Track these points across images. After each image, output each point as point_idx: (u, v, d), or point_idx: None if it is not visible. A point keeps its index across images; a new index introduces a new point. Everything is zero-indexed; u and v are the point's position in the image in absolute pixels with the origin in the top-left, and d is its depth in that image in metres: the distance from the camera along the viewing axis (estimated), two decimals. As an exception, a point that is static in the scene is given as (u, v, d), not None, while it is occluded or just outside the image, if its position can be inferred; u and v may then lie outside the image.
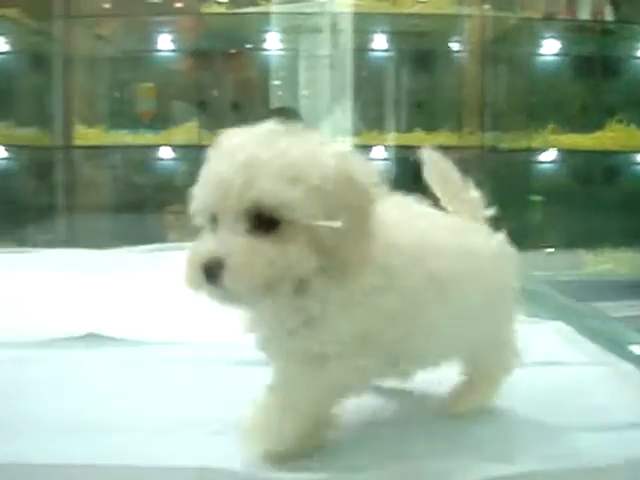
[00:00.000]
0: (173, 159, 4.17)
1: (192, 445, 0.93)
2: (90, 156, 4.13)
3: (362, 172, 0.80)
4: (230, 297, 0.77)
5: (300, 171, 0.76)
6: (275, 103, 4.27)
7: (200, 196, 0.80)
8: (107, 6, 4.28)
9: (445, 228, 0.95)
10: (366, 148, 3.99)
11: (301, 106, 4.16)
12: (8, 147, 3.93)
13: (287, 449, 0.84)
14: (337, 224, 0.76)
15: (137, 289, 1.86)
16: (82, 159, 4.10)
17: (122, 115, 4.20)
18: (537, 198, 4.01)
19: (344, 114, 4.03)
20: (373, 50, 4.27)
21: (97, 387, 1.20)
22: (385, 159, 4.03)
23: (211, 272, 0.75)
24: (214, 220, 0.79)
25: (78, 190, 4.08)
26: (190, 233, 0.83)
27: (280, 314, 0.83)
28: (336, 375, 0.83)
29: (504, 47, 4.08)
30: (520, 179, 4.04)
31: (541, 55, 4.06)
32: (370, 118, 4.07)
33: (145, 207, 4.01)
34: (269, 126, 0.81)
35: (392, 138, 3.95)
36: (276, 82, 4.29)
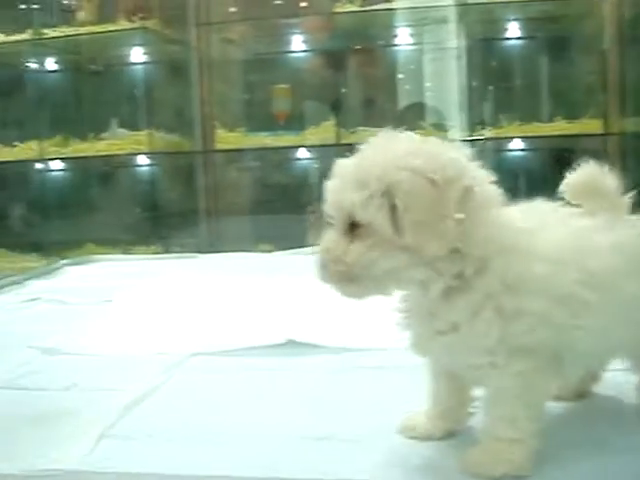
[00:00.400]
0: (311, 159, 4.19)
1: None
2: (230, 159, 4.21)
3: (441, 165, 0.85)
4: (337, 289, 0.89)
5: (368, 176, 0.86)
6: (405, 99, 4.24)
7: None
8: (234, 10, 4.34)
9: (590, 228, 0.97)
10: (506, 140, 3.91)
11: (431, 101, 4.12)
12: (152, 154, 4.03)
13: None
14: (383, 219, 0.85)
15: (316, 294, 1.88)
16: (223, 162, 4.18)
17: (259, 117, 4.26)
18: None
19: (480, 106, 3.97)
20: (506, 39, 4.16)
21: (300, 395, 1.23)
22: (526, 150, 3.93)
23: (323, 266, 0.89)
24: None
25: (220, 193, 4.17)
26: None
27: (427, 315, 0.90)
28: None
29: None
30: None
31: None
32: (509, 109, 3.97)
33: (286, 208, 4.06)
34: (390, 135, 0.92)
35: (533, 129, 3.83)
36: (405, 77, 4.26)
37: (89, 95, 4.29)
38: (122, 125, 4.09)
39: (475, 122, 3.94)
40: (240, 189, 4.30)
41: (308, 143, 4.06)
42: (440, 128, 4.02)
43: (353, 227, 0.88)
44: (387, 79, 4.33)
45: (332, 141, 3.94)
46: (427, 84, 4.17)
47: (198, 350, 1.49)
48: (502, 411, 0.90)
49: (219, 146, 4.07)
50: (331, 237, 0.90)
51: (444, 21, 4.05)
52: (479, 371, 0.90)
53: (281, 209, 4.07)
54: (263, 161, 4.30)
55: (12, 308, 2.04)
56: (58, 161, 4.19)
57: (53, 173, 4.26)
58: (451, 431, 1.01)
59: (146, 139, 3.97)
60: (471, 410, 1.02)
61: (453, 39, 4.01)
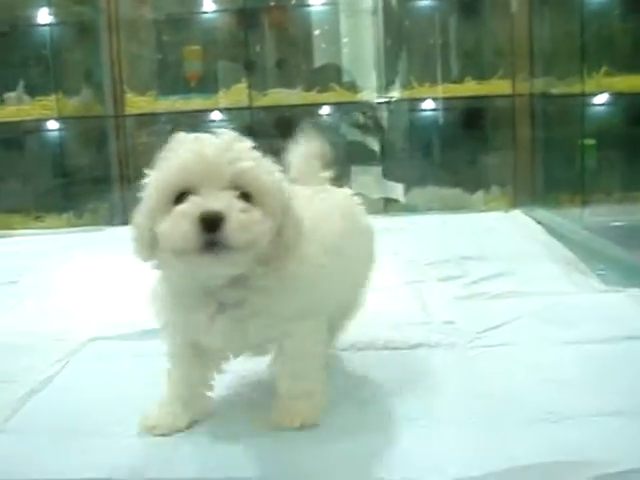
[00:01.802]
0: (224, 121, 4.16)
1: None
2: (142, 124, 4.14)
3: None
4: (226, 252, 0.91)
5: (268, 166, 1.00)
6: (319, 59, 4.23)
7: (175, 173, 0.96)
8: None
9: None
10: (417, 101, 3.95)
11: (345, 61, 4.12)
12: (61, 119, 3.94)
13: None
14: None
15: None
16: (134, 127, 4.10)
17: (170, 79, 4.20)
18: (590, 142, 3.94)
19: (391, 67, 3.99)
20: (420, -1, 4.16)
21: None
22: (436, 110, 3.98)
23: (213, 224, 0.90)
24: (186, 194, 0.94)
25: (132, 159, 4.09)
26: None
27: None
28: None
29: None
30: (572, 124, 3.97)
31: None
32: (419, 70, 4.00)
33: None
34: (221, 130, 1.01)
35: (444, 89, 3.88)
36: (319, 37, 4.24)
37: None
38: (29, 89, 3.96)
39: (388, 82, 3.97)
40: (152, 154, 4.23)
41: (220, 106, 4.02)
42: (353, 88, 4.03)
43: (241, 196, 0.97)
44: (301, 39, 4.29)
45: (245, 104, 3.92)
46: (341, 44, 4.15)
47: (96, 335, 1.48)
48: (294, 369, 1.03)
49: (130, 110, 3.99)
50: (225, 198, 0.96)
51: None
52: (273, 342, 1.02)
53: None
54: (175, 125, 4.23)
55: None
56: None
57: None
58: (195, 421, 1.08)
59: (54, 104, 3.87)
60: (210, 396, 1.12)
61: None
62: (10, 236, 2.73)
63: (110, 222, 3.58)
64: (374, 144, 4.10)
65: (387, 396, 1.16)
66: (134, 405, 1.14)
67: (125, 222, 3.17)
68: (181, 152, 0.97)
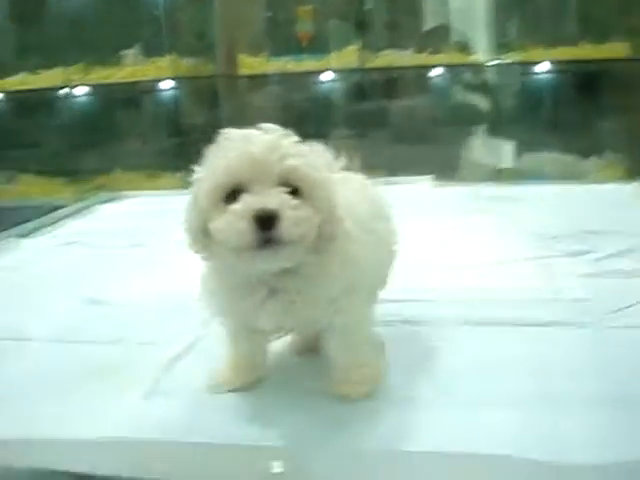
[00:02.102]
0: (334, 81, 4.17)
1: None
2: (253, 85, 4.20)
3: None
4: (281, 248, 0.94)
5: (314, 161, 1.01)
6: (430, 20, 4.18)
7: (225, 173, 0.97)
8: None
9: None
10: (529, 64, 3.87)
11: (456, 23, 4.06)
12: (174, 79, 4.03)
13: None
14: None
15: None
16: (246, 88, 4.16)
17: (282, 39, 4.22)
18: None
19: (504, 28, 3.91)
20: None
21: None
22: (549, 73, 3.89)
23: (268, 222, 0.93)
24: (237, 192, 0.96)
25: (243, 119, 4.15)
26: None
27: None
28: None
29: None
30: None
31: None
32: (532, 31, 3.91)
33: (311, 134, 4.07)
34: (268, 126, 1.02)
35: (557, 52, 3.78)
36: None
37: (111, 19, 4.25)
38: (145, 49, 4.07)
39: (500, 44, 3.90)
40: (263, 115, 4.30)
41: (332, 67, 4.03)
42: (465, 50, 3.98)
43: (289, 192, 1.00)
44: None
45: (356, 65, 3.92)
46: (452, 5, 4.09)
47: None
48: (346, 342, 1.09)
49: (243, 71, 4.04)
50: (277, 196, 0.98)
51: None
52: (324, 321, 1.07)
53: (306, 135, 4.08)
54: (287, 85, 4.27)
55: (50, 253, 2.08)
56: (82, 87, 4.20)
57: (78, 100, 4.28)
58: (256, 381, 1.18)
59: (169, 64, 3.97)
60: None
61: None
62: (132, 197, 2.81)
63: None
64: (485, 108, 4.05)
65: (514, 373, 1.17)
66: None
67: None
68: (230, 151, 0.98)
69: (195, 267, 1.11)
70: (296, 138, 1.02)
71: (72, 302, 1.63)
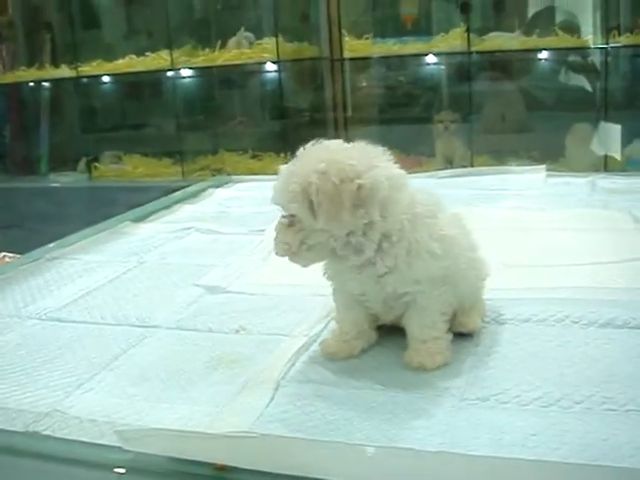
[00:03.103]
0: (438, 64, 4.13)
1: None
2: (358, 67, 4.19)
3: (340, 169, 1.10)
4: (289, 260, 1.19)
5: (294, 179, 1.12)
6: (537, 3, 4.08)
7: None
8: None
9: None
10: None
11: (565, 5, 3.95)
12: (279, 62, 4.05)
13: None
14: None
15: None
16: (350, 70, 4.16)
17: (386, 22, 4.20)
18: None
19: (614, 11, 3.79)
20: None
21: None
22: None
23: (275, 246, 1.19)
24: None
25: (347, 102, 4.17)
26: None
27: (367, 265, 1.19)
28: None
29: None
30: None
31: None
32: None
33: (415, 118, 4.07)
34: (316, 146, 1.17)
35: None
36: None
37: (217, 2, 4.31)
38: (250, 31, 4.12)
39: (610, 27, 3.77)
40: (369, 98, 4.30)
41: (437, 50, 3.99)
42: (572, 32, 3.87)
43: (291, 217, 1.16)
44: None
45: (462, 48, 3.86)
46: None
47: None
48: (426, 320, 1.22)
49: (348, 54, 4.04)
50: (279, 225, 1.18)
51: None
52: (408, 297, 1.20)
53: (410, 119, 4.07)
54: (392, 69, 4.25)
55: (167, 239, 2.10)
56: (188, 70, 4.27)
57: (184, 82, 4.36)
58: (365, 349, 1.29)
59: (273, 47, 3.99)
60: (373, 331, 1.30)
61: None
62: (244, 181, 2.84)
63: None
64: (593, 92, 3.93)
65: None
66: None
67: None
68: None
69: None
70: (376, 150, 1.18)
71: (191, 290, 1.65)
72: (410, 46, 4.00)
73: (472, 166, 3.74)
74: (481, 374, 1.18)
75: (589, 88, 3.94)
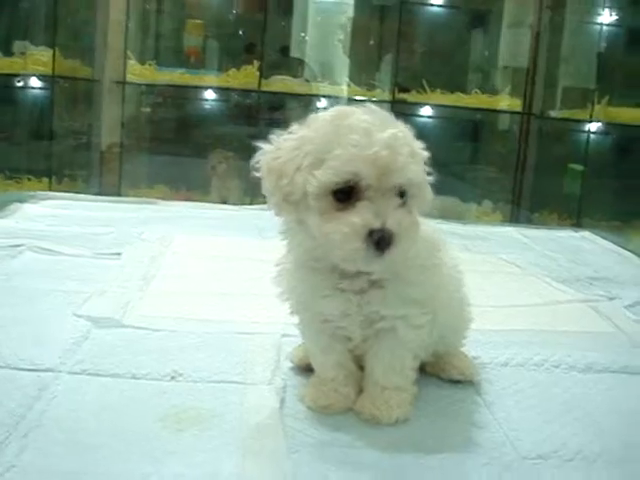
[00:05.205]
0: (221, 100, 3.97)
1: None
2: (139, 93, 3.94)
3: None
4: (385, 265, 0.95)
5: (420, 158, 0.99)
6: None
7: (345, 169, 0.92)
8: None
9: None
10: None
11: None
12: (50, 77, 3.61)
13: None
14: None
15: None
16: (130, 95, 3.85)
17: (169, 51, 3.99)
18: (578, 167, 3.98)
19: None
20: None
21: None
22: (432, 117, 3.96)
23: (384, 242, 0.91)
24: (351, 192, 0.93)
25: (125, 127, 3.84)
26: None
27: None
28: None
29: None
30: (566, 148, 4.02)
31: (599, 25, 3.95)
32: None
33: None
34: (372, 108, 0.98)
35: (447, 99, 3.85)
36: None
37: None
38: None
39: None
40: (146, 126, 4.00)
41: (225, 85, 3.85)
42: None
43: (400, 194, 0.96)
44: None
45: (254, 86, 3.73)
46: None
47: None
48: (395, 361, 1.04)
49: (130, 78, 3.73)
50: (396, 214, 0.93)
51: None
52: (386, 324, 1.01)
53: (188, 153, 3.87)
54: (173, 99, 4.02)
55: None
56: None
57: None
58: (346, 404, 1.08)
59: (49, 60, 3.53)
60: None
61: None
62: (50, 198, 2.51)
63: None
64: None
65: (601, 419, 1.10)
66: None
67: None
68: (351, 144, 0.92)
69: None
70: (404, 128, 0.98)
71: (75, 322, 1.33)
72: (197, 78, 3.80)
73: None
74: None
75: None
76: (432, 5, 4.07)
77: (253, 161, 0.98)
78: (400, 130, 0.96)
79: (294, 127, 1.00)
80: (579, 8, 3.93)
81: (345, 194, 0.92)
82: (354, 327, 1.03)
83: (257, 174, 0.97)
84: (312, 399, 1.07)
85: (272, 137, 0.99)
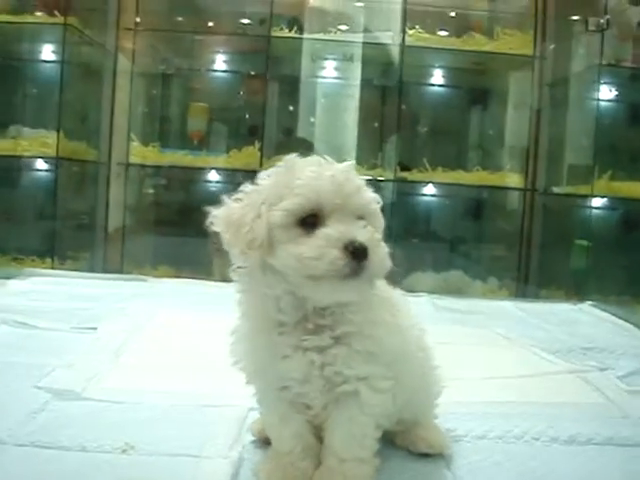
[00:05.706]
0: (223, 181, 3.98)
1: None
2: (144, 174, 3.96)
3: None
4: (366, 280, 0.93)
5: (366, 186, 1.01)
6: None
7: (306, 196, 0.94)
8: (159, 19, 4.04)
9: None
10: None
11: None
12: (56, 159, 3.63)
13: None
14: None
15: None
16: (135, 176, 3.88)
17: (173, 134, 4.05)
18: (584, 243, 3.93)
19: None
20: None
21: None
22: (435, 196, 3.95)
23: (360, 254, 0.91)
24: (314, 218, 0.94)
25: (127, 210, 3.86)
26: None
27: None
28: None
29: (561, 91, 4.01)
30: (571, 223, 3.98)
31: (599, 100, 3.96)
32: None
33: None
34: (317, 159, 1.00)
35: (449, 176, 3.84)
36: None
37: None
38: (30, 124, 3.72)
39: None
40: (150, 207, 4.02)
41: (230, 167, 3.85)
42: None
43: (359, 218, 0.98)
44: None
45: (255, 166, 3.74)
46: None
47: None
48: (355, 430, 0.98)
49: (133, 159, 3.77)
50: (366, 231, 0.95)
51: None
52: (348, 387, 0.97)
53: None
54: (177, 180, 4.04)
55: None
56: None
57: None
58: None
59: (53, 142, 3.58)
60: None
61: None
62: (32, 275, 2.50)
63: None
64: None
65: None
66: None
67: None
68: (309, 174, 0.96)
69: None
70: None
71: (35, 394, 1.30)
72: (200, 159, 3.83)
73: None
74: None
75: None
76: (432, 85, 4.14)
77: (208, 221, 0.99)
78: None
79: (244, 187, 1.00)
80: (579, 85, 3.96)
81: (310, 223, 0.93)
82: (315, 393, 0.98)
83: (215, 229, 0.98)
84: (267, 474, 1.01)
85: (224, 199, 0.99)
